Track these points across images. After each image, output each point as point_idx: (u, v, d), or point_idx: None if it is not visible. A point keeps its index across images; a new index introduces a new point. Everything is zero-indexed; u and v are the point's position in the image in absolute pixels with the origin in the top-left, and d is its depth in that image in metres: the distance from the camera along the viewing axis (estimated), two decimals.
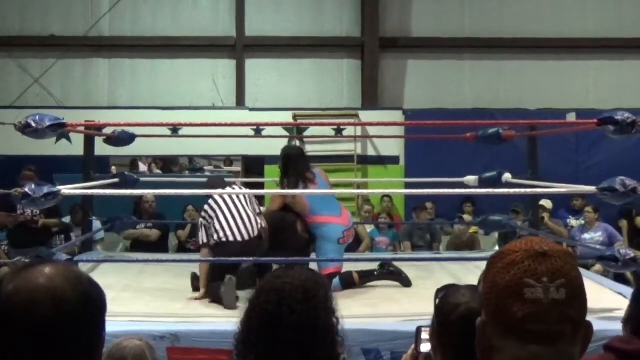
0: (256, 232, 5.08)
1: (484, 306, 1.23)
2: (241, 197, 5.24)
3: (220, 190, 5.34)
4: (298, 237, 5.35)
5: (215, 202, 5.17)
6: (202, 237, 5.16)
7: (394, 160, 10.29)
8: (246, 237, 5.04)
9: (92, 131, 6.44)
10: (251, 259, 5.04)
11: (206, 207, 5.22)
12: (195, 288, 5.15)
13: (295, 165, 5.39)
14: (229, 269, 4.89)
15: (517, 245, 1.22)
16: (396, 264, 5.57)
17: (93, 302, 1.24)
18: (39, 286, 1.19)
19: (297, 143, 9.84)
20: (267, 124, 9.28)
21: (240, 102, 10.90)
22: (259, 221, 5.15)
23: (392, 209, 9.58)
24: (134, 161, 12.51)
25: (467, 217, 8.97)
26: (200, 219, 5.26)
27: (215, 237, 5.04)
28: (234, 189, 5.55)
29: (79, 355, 1.21)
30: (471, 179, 6.79)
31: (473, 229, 8.73)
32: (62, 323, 1.18)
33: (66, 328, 1.18)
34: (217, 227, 5.05)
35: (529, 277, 1.16)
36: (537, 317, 1.15)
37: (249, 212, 5.15)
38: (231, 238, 5.02)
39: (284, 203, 5.40)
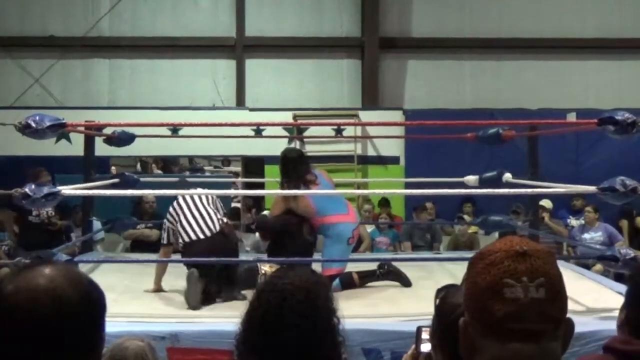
0: (217, 228, 5.12)
1: (465, 306, 1.24)
2: (202, 197, 5.31)
3: (217, 191, 5.35)
4: (301, 239, 5.34)
5: (179, 204, 5.27)
6: (164, 237, 5.33)
7: (394, 160, 10.29)
8: (208, 233, 5.09)
9: (92, 131, 6.43)
10: (251, 259, 5.04)
11: (170, 209, 5.32)
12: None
13: (294, 169, 5.37)
14: (202, 270, 4.96)
15: (497, 245, 1.24)
16: (396, 264, 5.56)
17: (93, 302, 1.24)
18: (39, 286, 1.19)
19: (298, 144, 9.84)
20: (267, 124, 9.27)
21: (240, 103, 10.90)
22: (219, 217, 5.20)
23: (391, 213, 9.55)
24: (144, 162, 12.52)
25: (467, 218, 8.96)
26: (165, 221, 5.37)
27: (181, 240, 5.15)
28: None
29: (79, 355, 1.21)
30: (471, 179, 6.78)
31: (473, 229, 8.73)
32: (62, 323, 1.18)
33: (66, 328, 1.18)
34: (181, 229, 5.15)
35: (509, 277, 1.18)
36: (517, 316, 1.17)
37: (209, 210, 5.21)
38: (194, 237, 5.10)
39: (286, 208, 5.36)
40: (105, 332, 1.28)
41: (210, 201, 5.31)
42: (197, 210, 5.20)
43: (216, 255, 4.91)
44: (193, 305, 4.68)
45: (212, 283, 4.90)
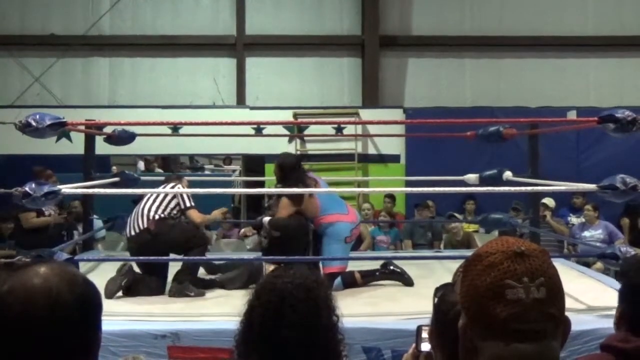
0: (143, 226, 5.19)
1: (464, 308, 1.24)
2: (153, 195, 5.35)
3: (217, 190, 5.33)
4: (308, 239, 5.33)
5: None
6: None
7: (394, 158, 10.29)
8: (138, 230, 5.19)
9: (92, 130, 6.43)
10: (251, 257, 5.02)
11: None
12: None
13: (293, 175, 5.32)
14: (157, 266, 5.11)
15: (493, 246, 1.23)
16: (397, 262, 5.55)
17: (89, 301, 1.24)
18: (35, 286, 1.19)
19: (298, 143, 9.84)
20: (267, 123, 9.26)
21: (240, 101, 10.90)
22: (151, 215, 5.21)
23: (393, 210, 9.54)
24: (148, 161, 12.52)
25: (459, 216, 8.93)
26: None
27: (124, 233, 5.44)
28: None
29: (75, 354, 1.20)
30: (472, 177, 6.79)
31: (473, 227, 8.71)
32: (58, 323, 1.18)
33: (62, 328, 1.18)
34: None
35: (510, 278, 1.18)
36: (520, 317, 1.17)
37: (145, 208, 5.27)
38: (128, 234, 5.30)
39: (294, 210, 5.29)
40: (102, 332, 1.28)
41: (155, 198, 5.32)
42: (138, 208, 5.32)
43: (143, 251, 5.06)
44: (107, 295, 4.77)
45: (149, 277, 5.10)
